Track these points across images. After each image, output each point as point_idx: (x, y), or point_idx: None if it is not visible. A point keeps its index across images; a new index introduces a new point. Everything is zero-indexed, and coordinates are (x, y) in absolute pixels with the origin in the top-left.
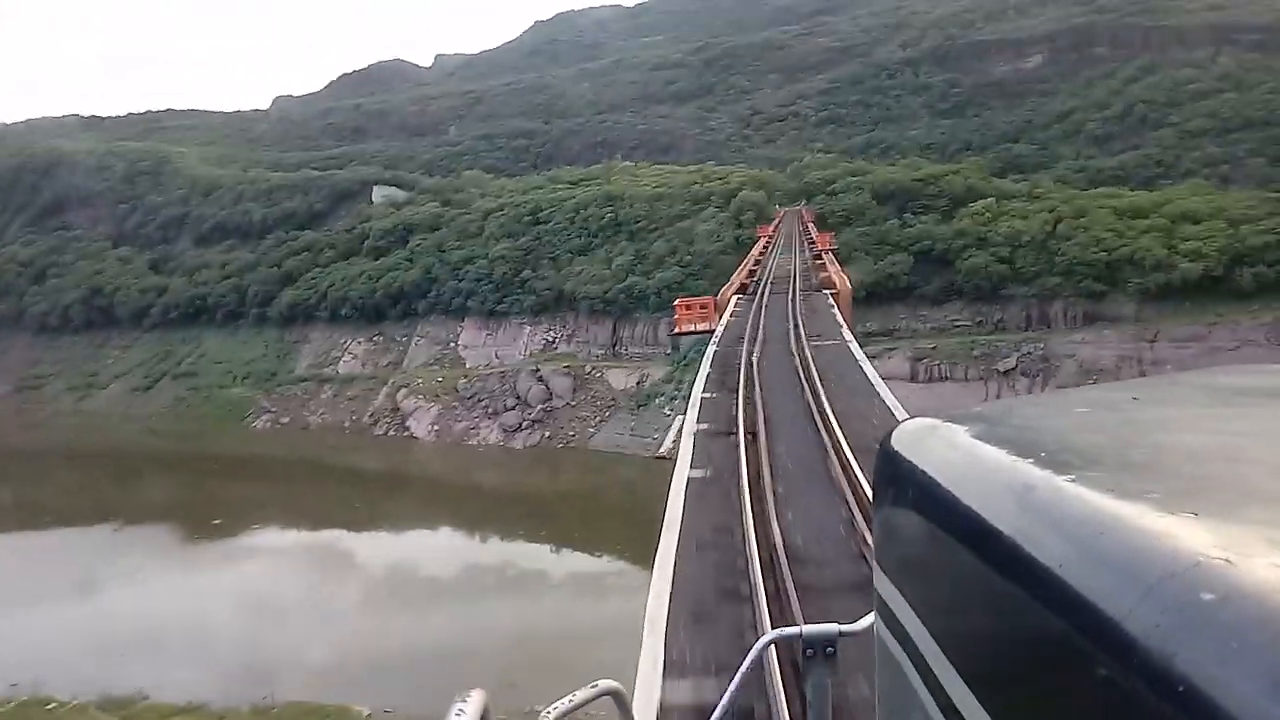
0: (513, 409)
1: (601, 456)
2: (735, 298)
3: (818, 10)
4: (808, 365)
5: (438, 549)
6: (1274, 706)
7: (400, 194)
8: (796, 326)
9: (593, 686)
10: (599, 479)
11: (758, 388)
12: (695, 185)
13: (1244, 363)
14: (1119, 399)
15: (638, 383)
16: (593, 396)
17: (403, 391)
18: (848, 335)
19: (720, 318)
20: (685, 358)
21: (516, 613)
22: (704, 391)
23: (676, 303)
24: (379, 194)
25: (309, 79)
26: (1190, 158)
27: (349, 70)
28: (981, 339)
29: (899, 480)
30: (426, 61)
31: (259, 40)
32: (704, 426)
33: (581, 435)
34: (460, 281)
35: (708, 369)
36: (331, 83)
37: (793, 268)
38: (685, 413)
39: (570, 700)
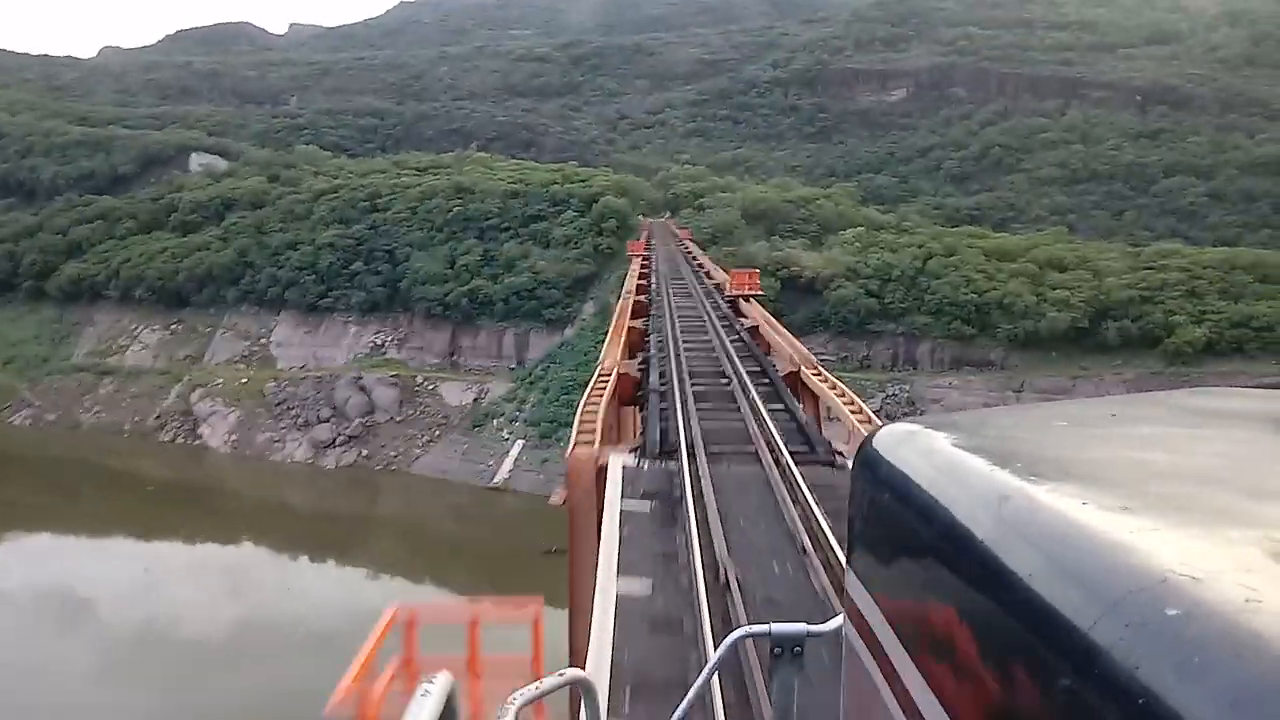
0: (327, 421)
1: (426, 484)
2: (620, 458)
3: (690, 21)
4: None
5: (214, 596)
6: None
7: (222, 163)
8: None
9: (560, 675)
10: (426, 508)
11: None
12: (555, 185)
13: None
14: (1097, 415)
15: (475, 399)
16: (422, 412)
17: (198, 392)
18: None
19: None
20: (530, 374)
21: (303, 687)
22: None
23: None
24: (196, 161)
25: (148, 34)
26: (1040, 204)
27: (189, 26)
28: (847, 376)
29: (876, 484)
30: (281, 29)
31: None
32: None
33: (405, 457)
34: (280, 269)
35: None
36: (167, 37)
37: (715, 338)
38: (525, 437)
39: (536, 687)
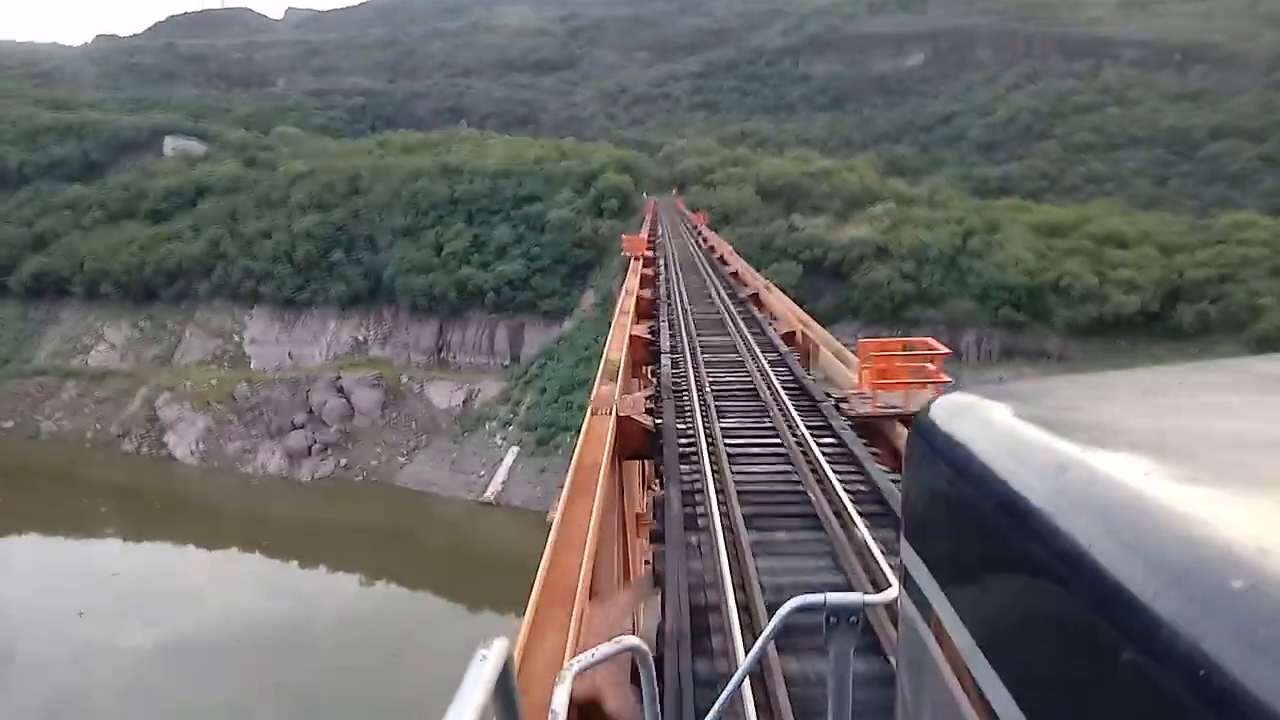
0: (302, 427)
1: (411, 498)
2: None
3: None
4: None
5: (155, 649)
6: None
7: (198, 148)
8: None
9: (616, 642)
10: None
11: None
12: (550, 163)
13: None
14: (1163, 383)
15: (465, 401)
16: (407, 416)
17: (165, 396)
18: None
19: None
20: (526, 372)
21: None
22: None
23: None
24: (171, 145)
25: (145, 22)
26: (1075, 172)
27: (181, 12)
28: None
29: (932, 455)
30: (278, 14)
31: None
32: None
33: (388, 467)
34: (254, 260)
35: None
36: (158, 23)
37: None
38: (520, 443)
39: (592, 655)
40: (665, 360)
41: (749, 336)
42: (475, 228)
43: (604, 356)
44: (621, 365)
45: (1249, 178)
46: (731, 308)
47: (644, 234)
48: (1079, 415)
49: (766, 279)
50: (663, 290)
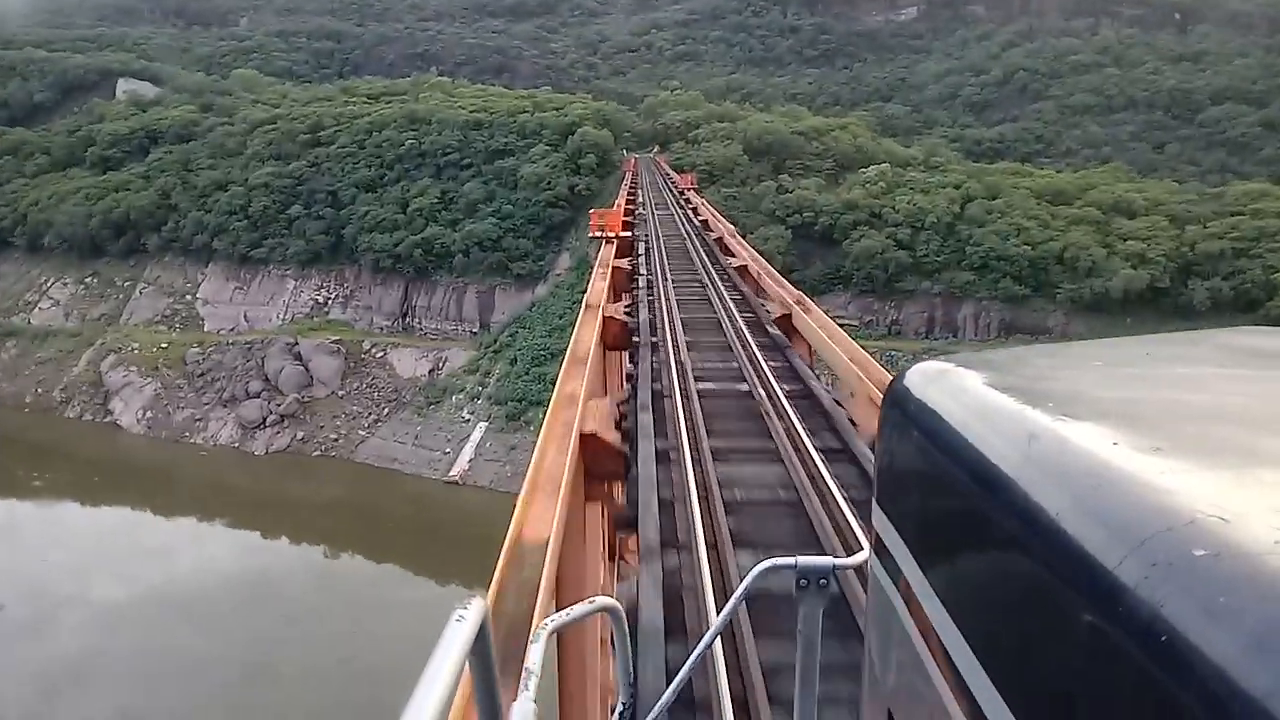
0: (257, 396)
1: (373, 475)
2: None
3: None
4: None
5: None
6: (1256, 662)
7: (151, 90)
8: None
9: (590, 602)
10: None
11: None
12: (525, 114)
13: None
14: (1133, 354)
15: (431, 370)
16: (369, 385)
17: (111, 359)
18: None
19: None
20: (496, 341)
21: None
22: None
23: None
24: (124, 88)
25: None
26: (1071, 135)
27: None
28: (872, 345)
29: (905, 422)
30: None
31: None
32: None
33: (348, 440)
34: (207, 213)
35: None
36: None
37: None
38: (489, 418)
39: (568, 614)
40: (645, 582)
41: (813, 455)
42: (443, 183)
43: (514, 517)
44: (548, 562)
45: (1250, 144)
46: (756, 352)
47: (620, 203)
48: (1050, 385)
49: (797, 291)
50: (644, 311)
